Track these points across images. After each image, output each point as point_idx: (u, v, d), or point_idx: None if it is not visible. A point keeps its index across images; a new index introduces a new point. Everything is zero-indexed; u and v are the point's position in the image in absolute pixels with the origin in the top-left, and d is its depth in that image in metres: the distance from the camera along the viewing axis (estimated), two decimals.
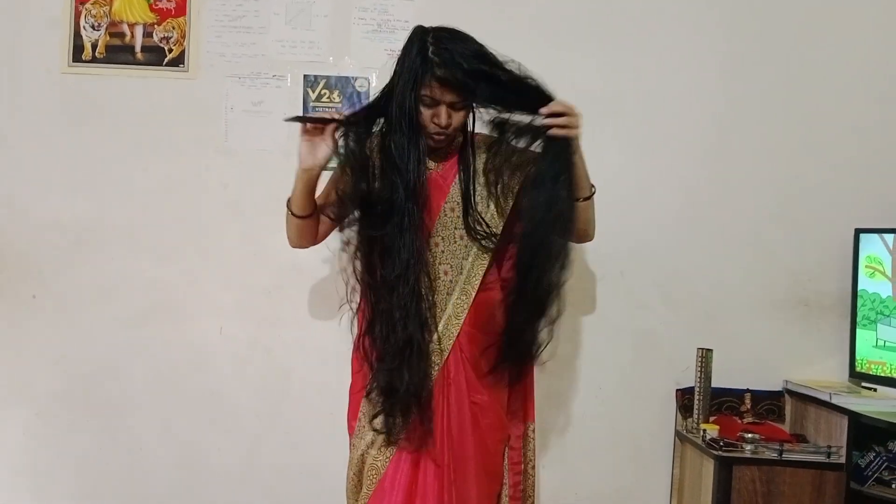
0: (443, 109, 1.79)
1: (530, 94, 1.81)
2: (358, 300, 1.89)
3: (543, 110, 1.80)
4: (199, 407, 2.54)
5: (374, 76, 2.54)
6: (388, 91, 1.85)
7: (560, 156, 1.83)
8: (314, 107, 2.52)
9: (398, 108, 1.79)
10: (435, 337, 1.86)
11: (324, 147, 1.82)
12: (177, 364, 2.53)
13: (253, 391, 2.55)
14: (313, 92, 2.53)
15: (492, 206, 1.90)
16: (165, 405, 2.54)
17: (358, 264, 1.86)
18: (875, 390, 2.37)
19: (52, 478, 2.53)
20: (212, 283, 2.53)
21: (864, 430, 2.21)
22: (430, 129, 1.82)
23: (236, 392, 2.54)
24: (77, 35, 2.53)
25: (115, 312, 2.53)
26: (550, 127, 1.80)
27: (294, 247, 2.01)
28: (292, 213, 1.92)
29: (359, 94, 2.53)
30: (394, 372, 1.78)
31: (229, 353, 2.54)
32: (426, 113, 1.80)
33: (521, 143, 1.86)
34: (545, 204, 1.81)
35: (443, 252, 1.89)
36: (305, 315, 2.52)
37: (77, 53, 2.53)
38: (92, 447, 2.53)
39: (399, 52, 1.83)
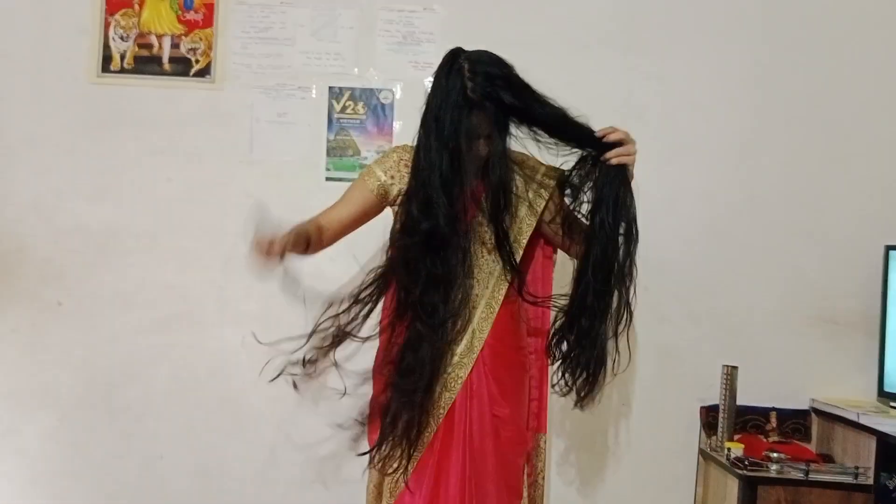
0: (482, 142, 1.81)
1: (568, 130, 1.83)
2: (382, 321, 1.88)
3: (603, 134, 1.83)
4: (219, 414, 2.55)
5: (399, 88, 2.55)
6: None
7: (616, 181, 1.84)
8: (338, 118, 2.53)
9: (444, 145, 1.76)
10: (459, 350, 1.85)
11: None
12: (198, 371, 2.55)
13: (272, 400, 2.54)
14: (338, 103, 2.54)
15: (517, 224, 1.90)
16: (186, 412, 2.55)
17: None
18: None
19: (72, 482, 2.55)
20: (234, 291, 2.54)
21: (893, 452, 2.16)
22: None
23: (256, 400, 2.54)
24: (106, 46, 2.56)
25: (137, 319, 2.55)
26: (606, 154, 1.83)
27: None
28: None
29: (382, 105, 2.54)
30: (403, 406, 1.79)
31: (250, 362, 2.54)
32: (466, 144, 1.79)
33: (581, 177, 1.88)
34: (609, 226, 1.83)
35: (471, 265, 1.88)
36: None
37: (106, 64, 2.56)
38: (112, 452, 2.55)
39: (434, 80, 1.82)
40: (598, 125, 1.94)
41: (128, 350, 2.55)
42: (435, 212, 1.76)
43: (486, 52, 1.81)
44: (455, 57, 1.79)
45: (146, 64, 2.57)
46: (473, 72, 1.75)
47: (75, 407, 2.55)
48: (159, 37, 2.57)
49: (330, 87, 2.55)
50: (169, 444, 2.55)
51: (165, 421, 2.55)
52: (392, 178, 1.90)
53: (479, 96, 1.74)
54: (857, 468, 2.19)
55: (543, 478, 2.05)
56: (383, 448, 1.83)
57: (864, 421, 2.23)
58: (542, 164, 1.96)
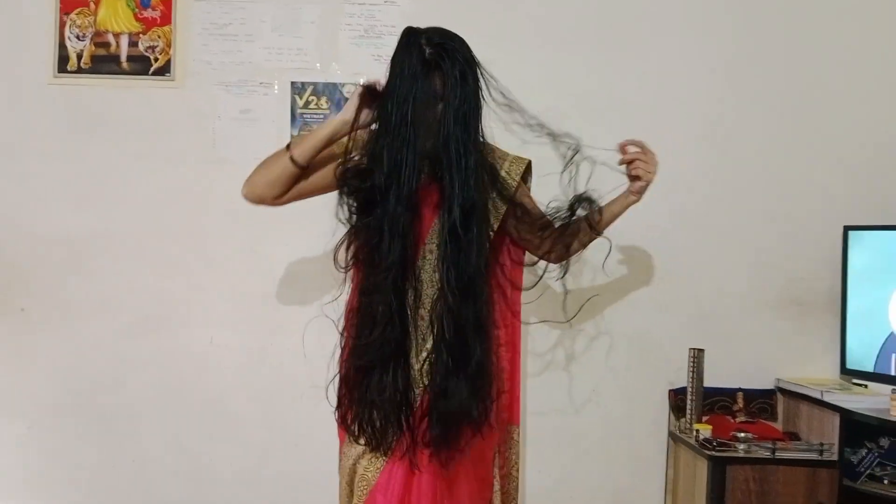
0: (441, 106, 1.78)
1: None
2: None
3: (624, 144, 1.98)
4: (199, 417, 2.53)
5: (362, 82, 2.52)
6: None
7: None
8: (301, 114, 2.52)
9: (398, 113, 1.77)
10: (429, 345, 1.84)
11: (367, 112, 1.82)
12: (176, 374, 2.52)
13: (259, 401, 2.53)
14: (301, 99, 2.53)
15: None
16: (165, 416, 2.52)
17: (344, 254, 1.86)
18: (866, 387, 2.38)
19: (47, 492, 2.51)
20: (207, 292, 2.53)
21: (856, 427, 2.22)
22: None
23: (237, 401, 2.53)
24: (62, 46, 2.52)
25: (111, 323, 2.52)
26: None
27: (254, 195, 1.92)
28: (290, 158, 1.85)
29: (346, 99, 2.52)
30: (373, 378, 1.77)
31: (229, 363, 2.53)
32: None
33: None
34: None
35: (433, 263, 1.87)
36: (304, 322, 2.51)
37: (62, 64, 2.52)
38: (90, 460, 2.52)
39: (392, 56, 1.83)
40: (576, 121, 1.99)
41: (103, 355, 2.52)
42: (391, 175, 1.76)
43: (442, 28, 1.85)
44: (411, 33, 1.82)
45: (104, 63, 2.53)
46: (430, 39, 1.79)
47: (50, 414, 2.52)
48: (116, 35, 2.53)
49: (292, 83, 2.53)
50: (150, 449, 2.52)
51: (145, 426, 2.52)
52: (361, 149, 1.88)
53: (436, 57, 1.76)
54: (822, 445, 2.24)
55: (517, 469, 2.06)
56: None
57: (827, 398, 2.29)
58: (509, 154, 1.97)
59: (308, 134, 1.90)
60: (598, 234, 2.02)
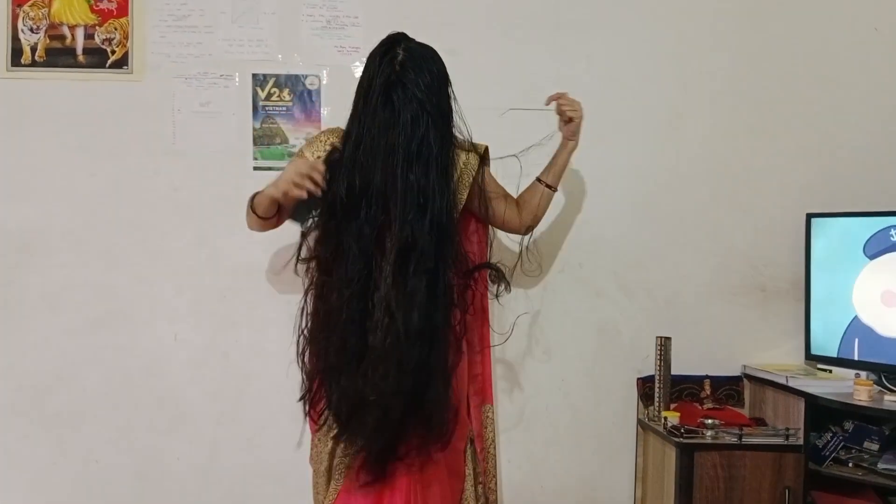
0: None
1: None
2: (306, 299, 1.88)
3: (554, 97, 2.08)
4: (155, 414, 2.48)
5: (325, 73, 2.50)
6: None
7: None
8: (263, 106, 2.48)
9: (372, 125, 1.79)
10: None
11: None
12: (131, 371, 2.48)
13: (210, 395, 2.50)
14: (262, 91, 2.49)
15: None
16: (121, 413, 2.48)
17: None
18: (830, 372, 2.41)
19: (3, 493, 2.46)
20: (164, 287, 2.48)
21: (821, 412, 2.24)
22: None
23: (193, 397, 2.49)
24: (15, 38, 2.45)
25: (64, 320, 2.46)
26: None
27: (255, 231, 2.06)
28: (255, 213, 1.90)
29: (309, 91, 2.49)
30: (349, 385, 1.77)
31: (185, 358, 2.49)
32: None
33: None
34: None
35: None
36: (261, 317, 2.48)
37: (16, 57, 2.45)
38: (45, 460, 2.46)
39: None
40: (528, 104, 2.02)
41: (56, 353, 2.46)
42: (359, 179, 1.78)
43: (431, 51, 1.84)
44: (395, 43, 1.81)
45: (59, 56, 2.46)
46: (402, 64, 1.78)
47: (5, 415, 2.46)
48: (72, 28, 2.47)
49: (254, 75, 2.49)
50: (105, 447, 2.47)
51: (100, 423, 2.47)
52: (319, 159, 1.88)
53: (391, 92, 1.77)
54: (787, 430, 2.26)
55: (494, 447, 2.07)
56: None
57: (792, 384, 2.31)
58: (466, 142, 1.96)
59: (262, 190, 1.94)
60: (555, 189, 2.13)
